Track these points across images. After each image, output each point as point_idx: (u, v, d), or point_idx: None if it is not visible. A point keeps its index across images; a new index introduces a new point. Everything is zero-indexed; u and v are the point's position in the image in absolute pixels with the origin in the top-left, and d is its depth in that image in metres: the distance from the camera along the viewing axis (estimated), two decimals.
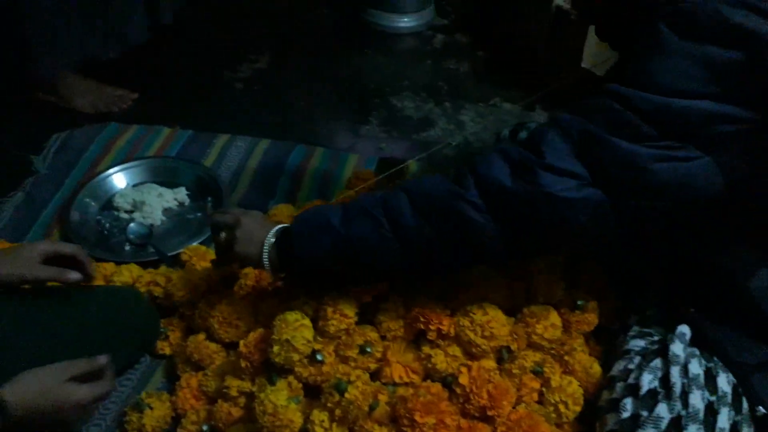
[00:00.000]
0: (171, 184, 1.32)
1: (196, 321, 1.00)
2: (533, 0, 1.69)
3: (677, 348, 0.79)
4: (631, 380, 0.80)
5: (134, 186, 1.32)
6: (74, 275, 0.88)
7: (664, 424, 0.73)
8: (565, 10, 1.58)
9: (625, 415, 0.76)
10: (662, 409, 0.74)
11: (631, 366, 0.82)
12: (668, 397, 0.75)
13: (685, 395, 0.74)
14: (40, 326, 0.86)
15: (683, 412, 0.73)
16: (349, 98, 1.69)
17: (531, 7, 1.72)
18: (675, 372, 0.76)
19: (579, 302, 0.96)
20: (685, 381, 0.75)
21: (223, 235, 0.87)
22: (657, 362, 0.80)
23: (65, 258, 0.90)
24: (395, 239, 0.77)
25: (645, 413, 0.74)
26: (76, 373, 0.80)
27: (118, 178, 1.33)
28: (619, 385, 0.81)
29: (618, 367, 0.84)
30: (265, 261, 0.84)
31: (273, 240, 0.84)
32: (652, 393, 0.76)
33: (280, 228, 0.85)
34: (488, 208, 0.73)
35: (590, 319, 0.97)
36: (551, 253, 0.96)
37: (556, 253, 0.97)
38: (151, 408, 0.90)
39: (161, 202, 1.28)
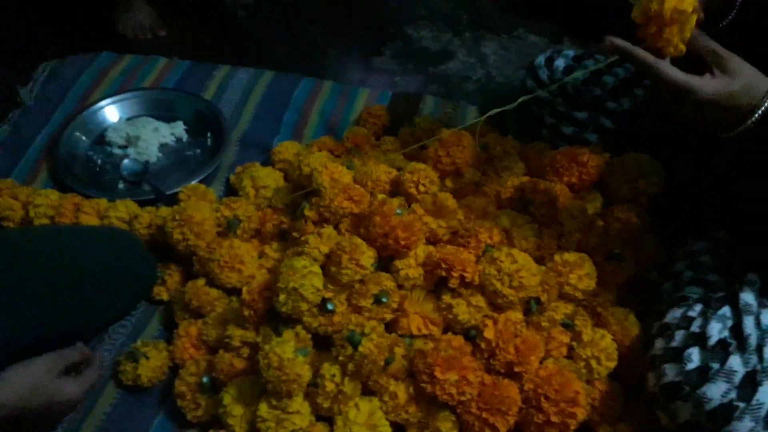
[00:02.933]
0: (168, 118, 1.22)
1: (195, 265, 0.93)
2: None
3: (748, 296, 0.70)
4: (694, 328, 0.71)
5: (128, 119, 1.22)
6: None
7: (737, 378, 0.65)
8: None
9: (691, 366, 0.68)
10: (735, 362, 0.66)
11: (692, 313, 0.74)
12: (742, 348, 0.67)
13: (759, 348, 0.66)
14: (28, 269, 0.78)
15: (758, 366, 0.65)
16: (361, 28, 1.55)
17: None
18: (749, 322, 0.68)
19: (615, 251, 0.88)
20: (758, 332, 0.67)
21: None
22: (725, 311, 0.71)
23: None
24: None
25: (715, 365, 0.66)
26: (67, 364, 0.75)
27: (111, 111, 1.23)
28: (680, 333, 0.72)
29: (674, 314, 0.75)
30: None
31: None
32: (723, 344, 0.68)
33: None
34: None
35: (626, 269, 0.88)
36: None
37: None
38: (147, 357, 0.83)
39: (157, 137, 1.18)
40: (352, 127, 1.22)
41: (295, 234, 0.91)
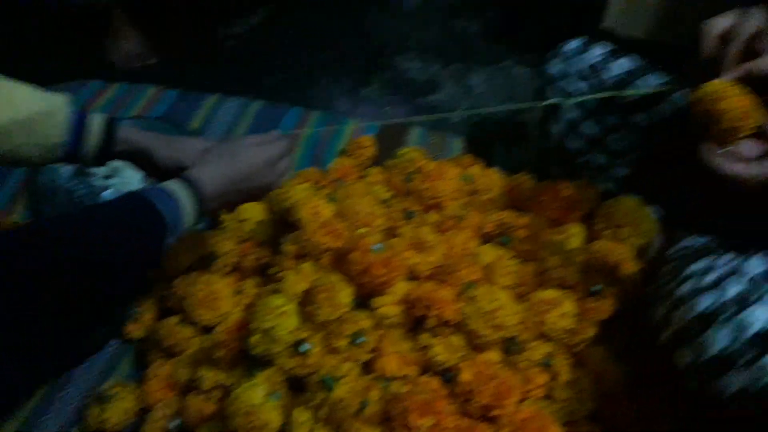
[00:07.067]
0: None
1: (172, 301, 0.91)
2: None
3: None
4: (725, 269, 0.64)
5: None
6: None
7: None
8: None
9: (729, 294, 0.60)
10: None
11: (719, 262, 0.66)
12: None
13: None
14: None
15: None
16: (349, 58, 1.56)
17: None
18: None
19: (594, 288, 0.86)
20: None
21: None
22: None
23: None
24: None
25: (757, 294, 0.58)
26: (254, 143, 0.80)
27: None
28: (709, 275, 0.64)
29: (685, 287, 0.66)
30: None
31: None
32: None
33: None
34: None
35: (605, 306, 0.86)
36: None
37: None
38: (115, 400, 0.81)
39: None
40: (338, 157, 1.22)
41: (275, 269, 0.89)
